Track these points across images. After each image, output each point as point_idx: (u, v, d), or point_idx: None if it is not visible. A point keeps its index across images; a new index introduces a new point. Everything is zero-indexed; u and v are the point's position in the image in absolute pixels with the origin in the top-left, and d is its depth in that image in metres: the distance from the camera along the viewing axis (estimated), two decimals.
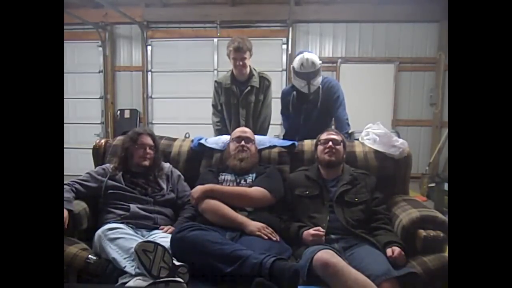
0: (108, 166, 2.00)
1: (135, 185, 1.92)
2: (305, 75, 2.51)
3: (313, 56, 2.53)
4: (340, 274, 1.41)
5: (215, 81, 2.74)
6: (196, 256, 1.50)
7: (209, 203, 1.82)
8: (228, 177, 2.00)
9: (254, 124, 2.66)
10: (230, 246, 1.50)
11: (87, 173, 1.95)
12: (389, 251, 1.59)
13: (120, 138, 2.21)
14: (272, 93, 2.73)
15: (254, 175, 2.01)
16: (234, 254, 1.45)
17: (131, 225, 1.75)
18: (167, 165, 2.09)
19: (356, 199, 1.85)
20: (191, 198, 1.89)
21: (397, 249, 1.58)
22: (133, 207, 1.82)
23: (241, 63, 2.51)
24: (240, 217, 1.76)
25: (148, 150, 1.96)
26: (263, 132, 2.69)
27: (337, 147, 1.96)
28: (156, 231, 1.79)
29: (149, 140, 1.98)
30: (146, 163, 1.95)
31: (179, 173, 2.11)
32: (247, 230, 1.71)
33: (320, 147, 2.00)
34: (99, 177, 1.92)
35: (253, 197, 1.85)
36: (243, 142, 2.06)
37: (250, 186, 1.92)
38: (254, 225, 1.72)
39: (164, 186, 1.97)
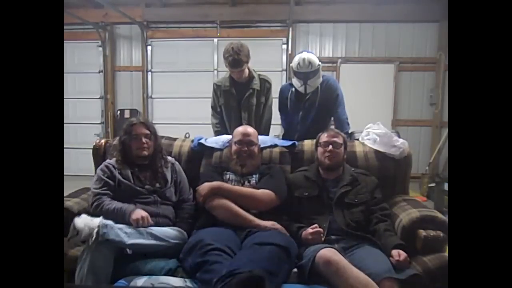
0: (110, 161, 1.96)
1: (142, 179, 1.90)
2: (302, 74, 2.51)
3: (311, 56, 2.51)
4: (342, 271, 1.42)
5: (214, 84, 2.72)
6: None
7: (219, 200, 1.80)
8: (233, 176, 1.99)
9: (257, 127, 2.64)
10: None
11: (99, 181, 1.86)
12: (395, 254, 1.57)
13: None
14: (272, 93, 2.71)
15: (257, 175, 1.99)
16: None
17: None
18: (171, 159, 2.10)
19: (356, 200, 1.84)
20: (198, 196, 1.87)
21: (403, 254, 1.56)
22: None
23: (238, 75, 2.50)
24: (251, 216, 1.78)
25: (144, 140, 1.92)
26: (265, 134, 2.68)
27: (338, 150, 1.94)
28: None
29: (143, 130, 1.95)
30: (145, 152, 1.92)
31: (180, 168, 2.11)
32: (258, 228, 1.72)
33: (320, 149, 1.99)
34: (108, 180, 1.86)
35: (261, 200, 1.84)
36: (245, 147, 2.01)
37: (254, 187, 1.91)
38: (264, 223, 1.74)
39: (169, 177, 1.96)
